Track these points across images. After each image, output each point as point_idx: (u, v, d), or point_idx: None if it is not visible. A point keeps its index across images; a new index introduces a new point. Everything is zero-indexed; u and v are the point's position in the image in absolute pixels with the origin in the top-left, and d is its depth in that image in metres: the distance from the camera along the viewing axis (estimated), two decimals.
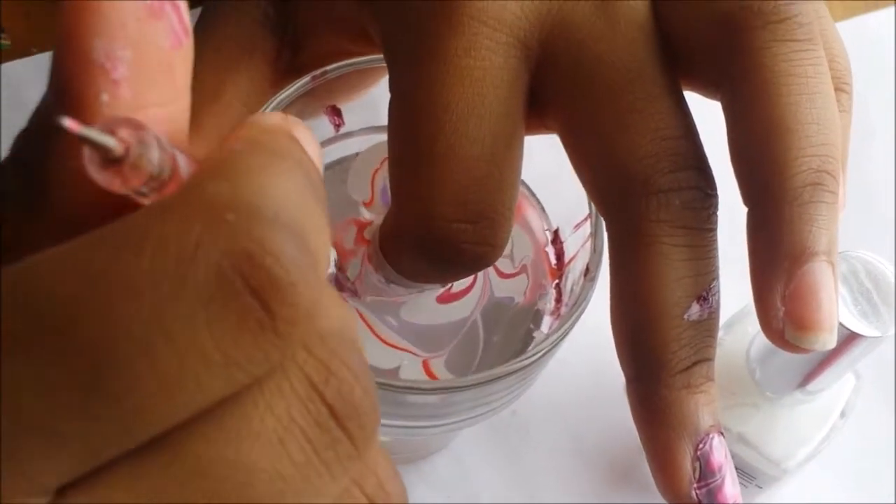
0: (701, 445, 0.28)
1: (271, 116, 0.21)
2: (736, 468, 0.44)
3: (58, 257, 0.17)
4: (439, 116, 0.28)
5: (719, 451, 0.28)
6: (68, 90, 0.19)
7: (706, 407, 0.28)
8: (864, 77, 0.59)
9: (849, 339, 0.37)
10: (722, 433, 0.29)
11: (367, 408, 0.20)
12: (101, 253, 0.17)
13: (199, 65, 0.34)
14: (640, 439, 0.29)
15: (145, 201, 0.19)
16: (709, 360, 0.29)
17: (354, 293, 0.36)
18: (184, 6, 0.20)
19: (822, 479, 0.48)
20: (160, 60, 0.19)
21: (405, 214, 0.29)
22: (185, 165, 0.19)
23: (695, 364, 0.28)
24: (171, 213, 0.18)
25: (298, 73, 0.37)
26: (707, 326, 0.29)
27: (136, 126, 0.18)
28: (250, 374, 0.18)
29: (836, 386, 0.43)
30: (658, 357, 0.28)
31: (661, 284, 0.28)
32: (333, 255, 0.31)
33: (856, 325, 0.37)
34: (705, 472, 0.28)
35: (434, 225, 0.29)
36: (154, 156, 0.18)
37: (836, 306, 0.27)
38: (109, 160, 0.18)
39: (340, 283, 0.35)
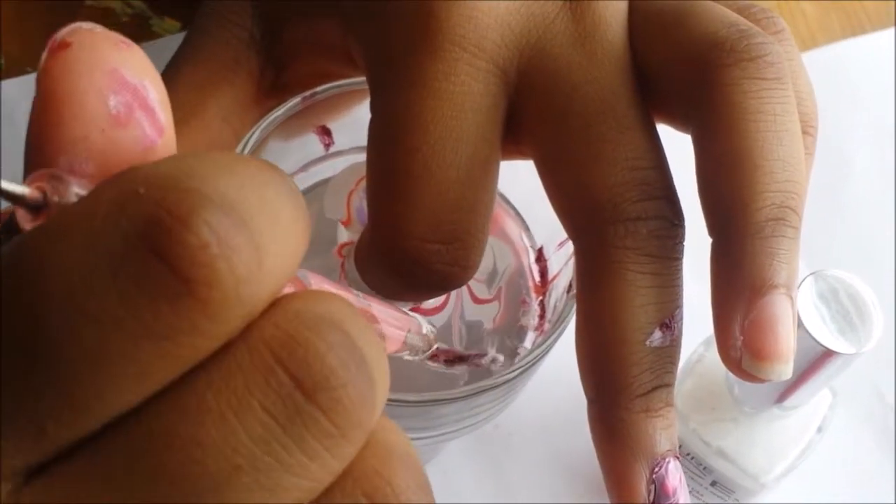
0: (657, 468, 0.29)
1: None
2: (715, 482, 0.45)
3: None
4: (417, 138, 0.29)
5: (674, 475, 0.29)
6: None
7: (664, 431, 0.29)
8: (848, 99, 0.60)
9: (825, 355, 0.38)
10: (678, 457, 0.29)
11: (343, 381, 0.19)
12: (17, 244, 0.18)
13: (182, 82, 0.35)
14: (598, 459, 0.30)
15: None
16: (668, 385, 0.29)
17: None
18: (161, 106, 0.20)
19: (799, 493, 0.49)
20: (130, 164, 0.19)
21: (380, 233, 0.30)
22: None
23: (654, 389, 0.29)
24: (83, 198, 0.18)
25: (281, 92, 0.37)
26: (669, 353, 0.29)
27: (53, 176, 0.18)
28: (185, 346, 0.17)
29: (813, 402, 0.44)
30: (619, 380, 0.29)
31: (625, 309, 0.29)
32: (428, 327, 0.32)
33: (831, 341, 0.37)
34: (660, 494, 0.29)
35: (408, 244, 0.29)
36: (73, 197, 0.18)
37: (794, 338, 0.28)
38: (36, 209, 0.18)
39: None
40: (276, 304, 0.19)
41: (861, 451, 0.51)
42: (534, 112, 0.30)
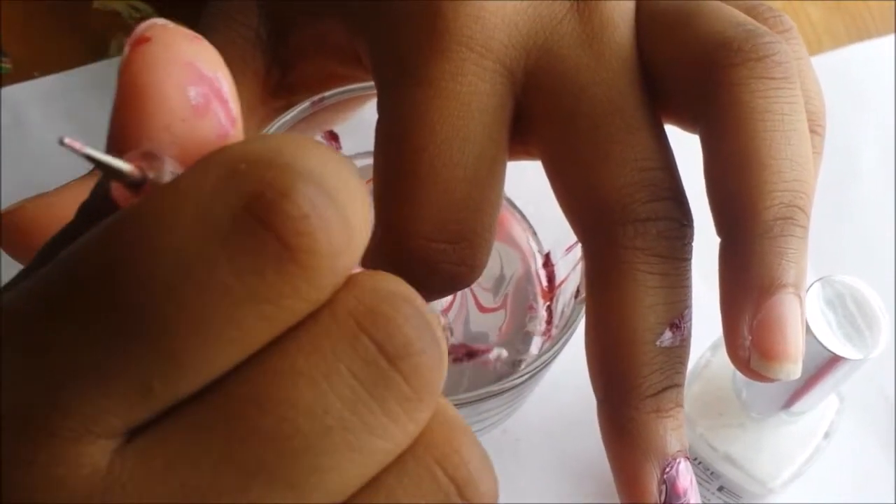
0: (668, 469, 0.29)
1: None
2: (722, 487, 0.45)
3: (91, 232, 0.19)
4: (424, 138, 0.29)
5: (685, 476, 0.29)
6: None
7: (674, 432, 0.29)
8: (853, 104, 0.60)
9: (832, 361, 0.38)
10: (688, 458, 0.29)
11: (420, 349, 0.20)
12: (125, 217, 0.19)
13: None
14: (609, 460, 0.30)
15: None
16: (678, 385, 0.29)
17: None
18: (232, 97, 0.21)
19: (806, 498, 0.49)
20: (209, 150, 0.20)
21: (386, 232, 0.30)
22: None
23: (665, 389, 0.29)
24: (186, 173, 0.19)
25: (288, 93, 0.37)
26: (678, 353, 0.29)
27: (150, 155, 0.19)
28: (285, 309, 0.19)
29: (820, 407, 0.43)
30: (629, 381, 0.29)
31: (634, 310, 0.29)
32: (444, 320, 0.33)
33: (839, 347, 0.37)
34: (671, 495, 0.29)
35: (414, 244, 0.29)
36: (168, 176, 0.19)
37: (802, 337, 0.28)
38: (134, 186, 0.19)
39: None
40: (351, 279, 0.20)
41: (868, 457, 0.51)
42: (541, 113, 0.30)
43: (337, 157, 0.20)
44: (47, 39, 0.54)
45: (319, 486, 0.19)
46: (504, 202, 0.41)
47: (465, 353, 0.34)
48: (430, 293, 0.32)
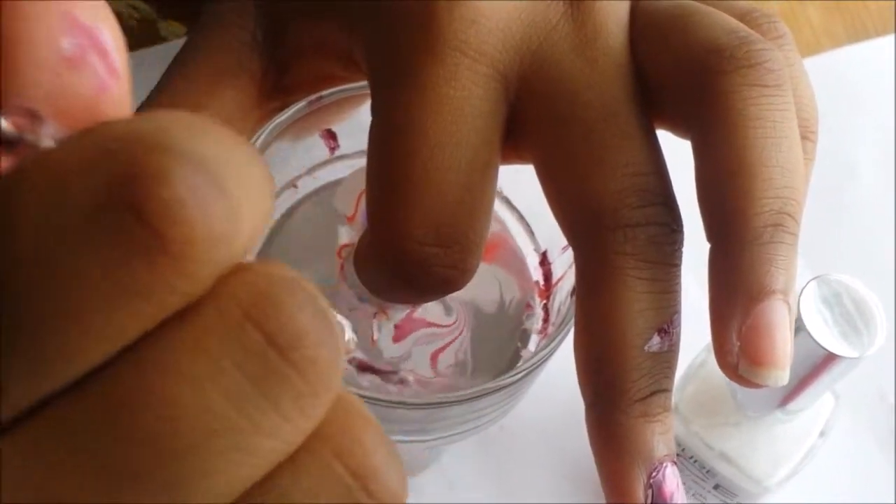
0: (654, 473, 0.29)
1: None
2: (718, 485, 0.45)
3: None
4: (417, 141, 0.29)
5: (671, 480, 0.29)
6: None
7: (661, 436, 0.29)
8: (851, 104, 0.61)
9: (827, 359, 0.38)
10: (675, 462, 0.29)
11: (316, 341, 0.18)
12: None
13: (185, 84, 0.36)
14: (596, 463, 0.30)
15: None
16: (667, 390, 0.29)
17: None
18: (115, 48, 0.19)
19: (802, 496, 0.49)
20: (84, 107, 0.18)
21: (379, 235, 0.30)
22: None
23: (653, 394, 0.29)
24: (55, 148, 0.17)
25: (284, 95, 0.37)
26: (666, 358, 0.29)
27: (30, 113, 0.18)
28: (157, 304, 0.17)
29: (816, 406, 0.44)
30: (617, 385, 0.29)
31: (623, 315, 0.29)
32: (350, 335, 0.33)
33: (834, 345, 0.38)
34: (657, 499, 0.29)
35: (406, 247, 0.29)
36: (48, 141, 0.18)
37: (791, 344, 0.28)
38: (9, 145, 0.18)
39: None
40: (240, 267, 0.18)
41: (864, 455, 0.51)
42: (534, 118, 0.30)
43: (234, 139, 0.18)
44: None
45: (202, 490, 0.18)
46: (501, 205, 0.42)
47: (367, 368, 0.34)
48: (422, 296, 0.32)
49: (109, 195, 0.16)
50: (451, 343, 0.38)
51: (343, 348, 0.19)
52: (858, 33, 0.63)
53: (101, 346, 0.17)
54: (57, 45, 0.18)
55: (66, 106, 0.18)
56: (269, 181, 0.19)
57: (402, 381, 0.36)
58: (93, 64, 0.19)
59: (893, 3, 0.64)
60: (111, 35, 0.19)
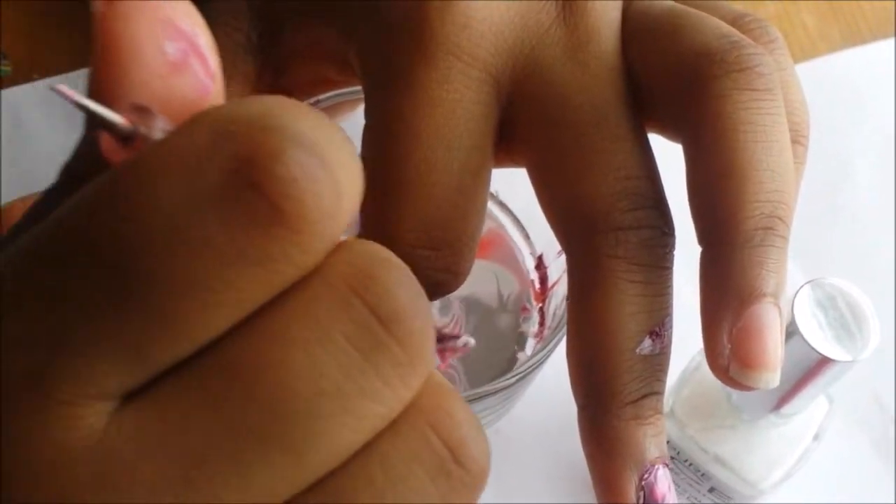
0: (646, 475, 0.29)
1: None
2: (713, 488, 0.45)
3: (82, 190, 0.19)
4: (409, 144, 0.29)
5: (663, 482, 0.29)
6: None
7: (653, 438, 0.29)
8: (845, 109, 0.61)
9: (821, 363, 0.38)
10: (668, 465, 0.29)
11: (413, 314, 0.20)
12: (115, 176, 0.19)
13: None
14: (588, 465, 0.30)
15: None
16: (658, 393, 0.29)
17: None
18: (210, 51, 0.21)
19: (796, 499, 0.49)
20: (188, 110, 0.20)
21: (370, 237, 0.30)
22: None
23: (644, 396, 0.29)
24: (176, 132, 0.19)
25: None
26: (658, 361, 0.29)
27: (141, 109, 0.19)
28: (276, 272, 0.19)
29: (810, 409, 0.44)
30: (609, 388, 0.29)
31: (615, 318, 0.29)
32: None
33: (827, 349, 0.38)
34: (649, 501, 0.29)
35: (397, 250, 0.29)
36: (159, 134, 0.19)
37: (781, 347, 0.28)
38: (125, 140, 0.19)
39: None
40: (343, 244, 0.20)
41: (858, 459, 0.52)
42: (526, 121, 0.30)
43: (328, 121, 0.20)
44: (47, 42, 0.55)
45: (314, 450, 0.19)
46: (497, 209, 0.42)
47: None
48: None
49: (234, 173, 0.18)
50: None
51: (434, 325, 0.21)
52: (854, 37, 0.64)
53: (226, 311, 0.19)
54: (161, 49, 0.20)
55: (173, 108, 0.20)
56: (358, 160, 0.20)
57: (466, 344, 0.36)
58: (194, 67, 0.20)
59: (892, 4, 0.65)
60: (206, 40, 0.21)
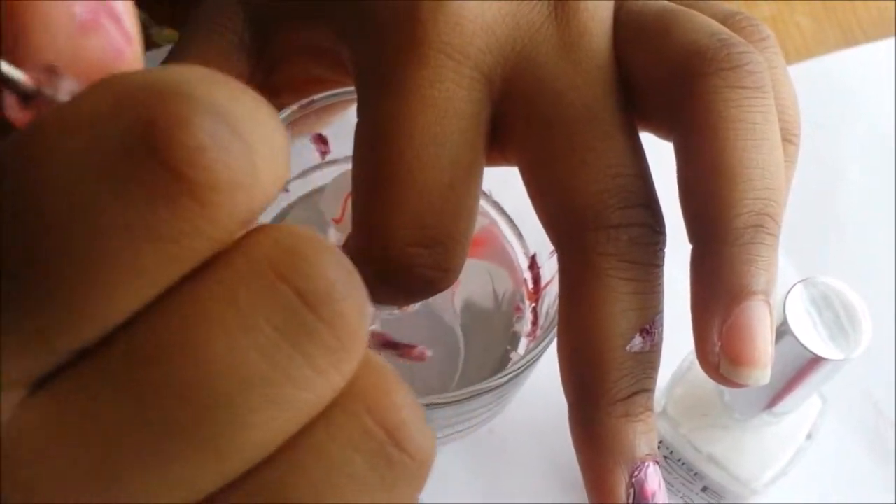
0: (636, 472, 0.29)
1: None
2: (706, 487, 0.45)
3: None
4: (402, 143, 0.29)
5: (653, 479, 0.29)
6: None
7: (644, 436, 0.29)
8: (839, 109, 0.61)
9: (813, 362, 0.38)
10: (658, 462, 0.29)
11: (344, 295, 0.19)
12: (9, 144, 0.17)
13: None
14: (579, 462, 0.30)
15: None
16: (648, 390, 0.29)
17: None
18: (127, 14, 0.20)
19: (789, 498, 0.49)
20: (100, 72, 0.19)
21: (363, 235, 0.30)
22: None
23: (634, 394, 0.29)
24: (77, 98, 0.18)
25: (272, 97, 0.37)
26: (649, 358, 0.29)
27: (49, 69, 0.18)
28: (185, 248, 0.17)
29: (803, 408, 0.44)
30: (600, 385, 0.29)
31: (606, 315, 0.29)
32: None
33: (820, 347, 0.38)
34: (639, 498, 0.29)
35: (390, 247, 0.29)
36: (65, 97, 0.18)
37: (771, 344, 0.28)
38: (27, 99, 0.18)
39: None
40: (266, 226, 0.19)
41: (851, 458, 0.52)
42: (518, 119, 0.30)
43: (251, 94, 0.19)
44: None
45: (238, 442, 0.18)
46: (490, 208, 0.42)
47: (382, 343, 0.34)
48: (406, 297, 0.32)
49: (132, 141, 0.17)
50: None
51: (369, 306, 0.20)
52: (848, 38, 0.64)
53: (134, 291, 0.17)
54: (69, 10, 0.18)
55: (82, 70, 0.19)
56: (284, 137, 0.19)
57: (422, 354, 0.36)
58: (107, 28, 0.19)
59: (886, 6, 0.65)
60: (122, 1, 0.19)
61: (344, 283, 0.19)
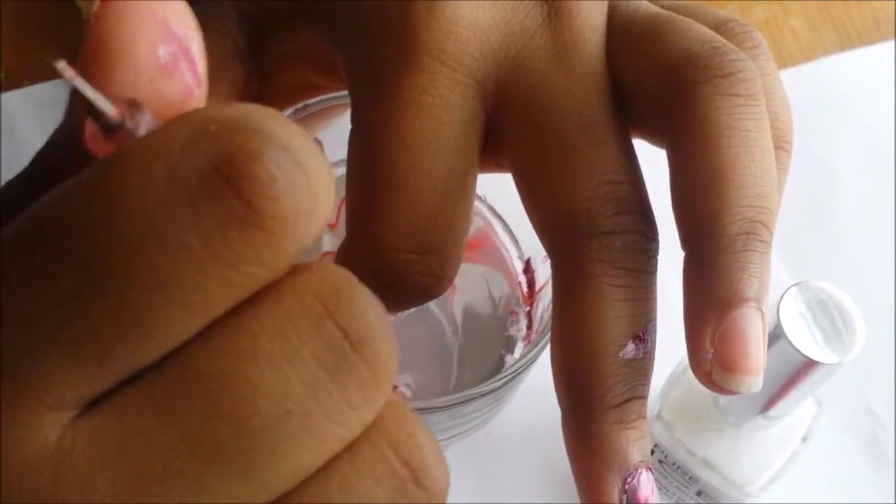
0: (629, 479, 0.29)
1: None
2: (700, 491, 0.45)
3: (58, 187, 0.19)
4: (395, 149, 0.29)
5: (646, 486, 0.29)
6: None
7: (636, 442, 0.29)
8: (834, 113, 0.61)
9: (807, 365, 0.38)
10: (650, 469, 0.29)
11: (381, 336, 0.20)
12: (92, 171, 0.18)
13: None
14: (572, 469, 0.30)
15: None
16: (641, 397, 0.29)
17: None
18: (200, 57, 0.21)
19: (784, 502, 0.49)
20: (172, 112, 0.20)
21: (357, 242, 0.30)
22: None
23: (627, 401, 0.29)
24: (158, 130, 0.19)
25: (266, 103, 0.37)
26: (642, 365, 0.29)
27: (132, 103, 0.19)
28: (247, 275, 0.18)
29: (797, 412, 0.44)
30: (593, 392, 0.29)
31: (599, 322, 0.29)
32: None
33: (814, 351, 0.38)
34: None
35: (384, 254, 0.30)
36: (144, 131, 0.19)
37: (763, 351, 0.28)
38: (109, 131, 0.19)
39: None
40: (311, 264, 0.20)
41: (845, 461, 0.52)
42: (512, 126, 0.31)
43: (303, 131, 0.20)
44: (39, 50, 0.55)
45: (274, 470, 0.19)
46: (486, 211, 0.42)
47: None
48: (400, 304, 0.32)
49: (212, 171, 0.18)
50: None
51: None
52: (843, 43, 0.64)
53: (193, 313, 0.18)
54: (155, 51, 0.20)
55: (157, 109, 0.20)
56: (331, 169, 0.20)
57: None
58: (183, 71, 0.20)
59: (880, 9, 0.65)
60: (198, 44, 0.21)
61: (380, 324, 0.20)
